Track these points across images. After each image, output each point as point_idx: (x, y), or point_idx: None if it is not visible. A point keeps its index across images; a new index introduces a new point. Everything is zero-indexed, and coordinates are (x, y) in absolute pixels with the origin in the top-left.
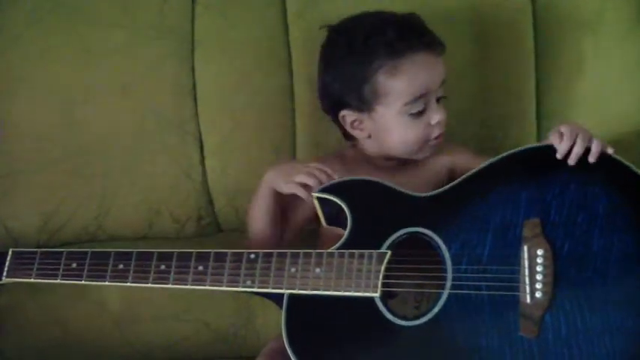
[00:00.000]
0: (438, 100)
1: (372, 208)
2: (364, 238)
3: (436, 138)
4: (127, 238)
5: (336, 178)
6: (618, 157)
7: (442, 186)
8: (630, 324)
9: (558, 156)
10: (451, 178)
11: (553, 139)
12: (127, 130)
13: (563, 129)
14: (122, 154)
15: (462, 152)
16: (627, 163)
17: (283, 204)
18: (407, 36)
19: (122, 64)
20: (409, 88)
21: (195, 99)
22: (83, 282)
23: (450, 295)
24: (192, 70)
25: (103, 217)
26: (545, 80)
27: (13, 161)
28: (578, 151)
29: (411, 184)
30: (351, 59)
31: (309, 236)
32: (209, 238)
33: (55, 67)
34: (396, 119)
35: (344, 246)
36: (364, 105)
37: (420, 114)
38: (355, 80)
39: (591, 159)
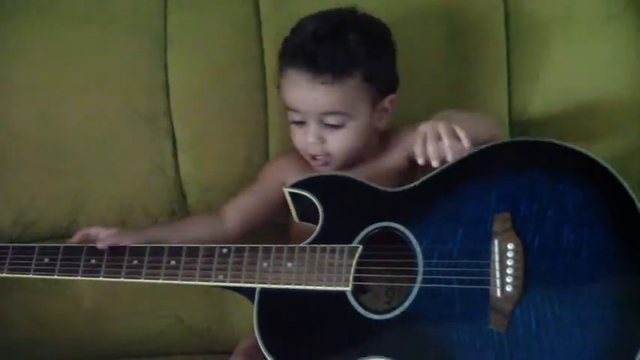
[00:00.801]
0: (331, 123)
1: (343, 203)
2: (336, 232)
3: (318, 158)
4: None
5: None
6: (588, 153)
7: (408, 176)
8: (600, 317)
9: (419, 161)
10: (414, 164)
11: (415, 147)
12: (100, 126)
13: (421, 128)
14: (96, 149)
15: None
16: (597, 158)
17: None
18: (294, 52)
19: (95, 60)
20: (285, 95)
21: (168, 94)
22: (55, 277)
23: (420, 288)
24: (165, 66)
25: (76, 213)
26: (517, 76)
27: None
28: (430, 150)
29: (371, 180)
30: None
31: (279, 234)
32: None
33: (28, 63)
34: (288, 119)
35: (316, 241)
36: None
37: (299, 123)
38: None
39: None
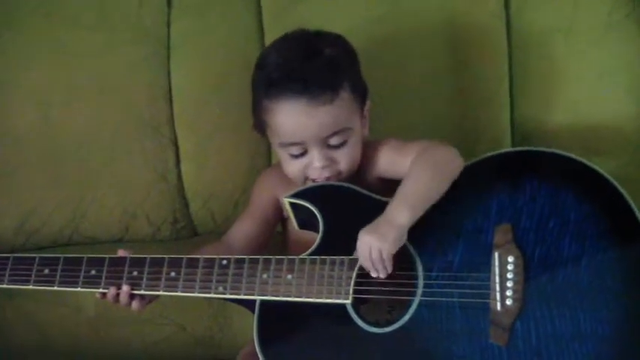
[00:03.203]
0: (337, 142)
1: (343, 213)
2: (336, 243)
3: (325, 179)
4: (103, 241)
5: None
6: (590, 163)
7: (381, 191)
8: (600, 330)
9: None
10: (387, 181)
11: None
12: (103, 133)
13: (359, 244)
14: (98, 157)
15: (382, 154)
16: (599, 169)
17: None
18: (283, 81)
19: (99, 67)
20: (279, 131)
21: (171, 102)
22: (55, 288)
23: (421, 301)
24: (168, 73)
25: (79, 220)
26: (519, 85)
27: None
28: (369, 266)
29: None
30: (252, 81)
31: (277, 242)
32: (185, 241)
33: (33, 70)
34: (279, 151)
35: (316, 252)
36: (260, 128)
37: (299, 155)
38: (253, 103)
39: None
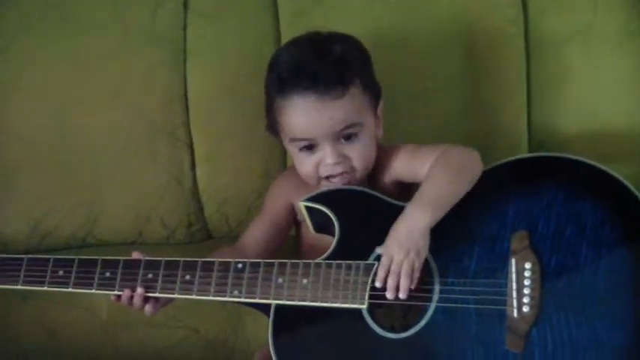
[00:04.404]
0: (347, 137)
1: (360, 217)
2: (352, 248)
3: (334, 180)
4: (116, 244)
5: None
6: (608, 169)
7: (399, 197)
8: (616, 337)
9: (377, 284)
10: (403, 186)
11: (379, 270)
12: (117, 137)
13: (387, 251)
14: (113, 160)
15: (397, 158)
16: (616, 175)
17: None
18: (293, 78)
19: (113, 71)
20: (291, 128)
21: (186, 106)
22: (70, 289)
23: (437, 307)
24: (184, 77)
25: (92, 223)
26: (536, 91)
27: (4, 166)
28: (390, 283)
29: None
30: (265, 83)
31: (291, 246)
32: (199, 244)
33: (47, 74)
34: (291, 149)
35: (332, 256)
36: (273, 129)
37: (310, 148)
38: (266, 104)
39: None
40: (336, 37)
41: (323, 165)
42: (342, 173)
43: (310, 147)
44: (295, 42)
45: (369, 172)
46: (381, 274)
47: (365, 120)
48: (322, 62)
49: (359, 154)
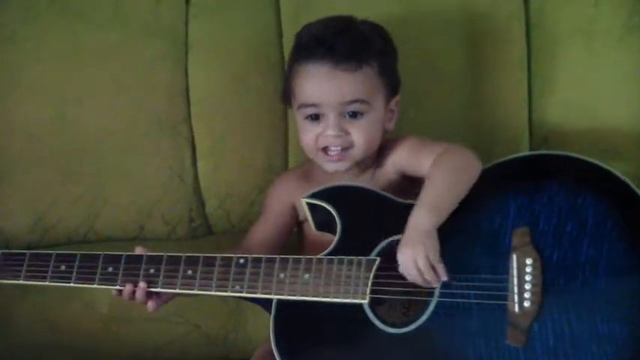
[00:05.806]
0: (352, 114)
1: (361, 214)
2: (353, 244)
3: (332, 154)
4: (118, 239)
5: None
6: (608, 166)
7: (402, 190)
8: (617, 332)
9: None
10: (406, 178)
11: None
12: (119, 131)
13: (401, 258)
14: (114, 155)
15: (403, 147)
16: (616, 172)
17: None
18: (312, 47)
19: (115, 65)
20: (301, 93)
21: (188, 101)
22: (72, 284)
23: (438, 302)
24: (186, 71)
25: (94, 218)
26: (538, 87)
27: (5, 161)
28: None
29: None
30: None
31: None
32: (200, 240)
33: (49, 67)
34: (298, 118)
35: (333, 252)
36: (287, 97)
37: (316, 118)
38: (286, 72)
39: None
40: (368, 22)
41: (323, 136)
42: (339, 148)
43: (316, 117)
44: (327, 18)
45: (369, 157)
46: (410, 278)
47: (374, 102)
48: (343, 36)
49: (360, 133)
